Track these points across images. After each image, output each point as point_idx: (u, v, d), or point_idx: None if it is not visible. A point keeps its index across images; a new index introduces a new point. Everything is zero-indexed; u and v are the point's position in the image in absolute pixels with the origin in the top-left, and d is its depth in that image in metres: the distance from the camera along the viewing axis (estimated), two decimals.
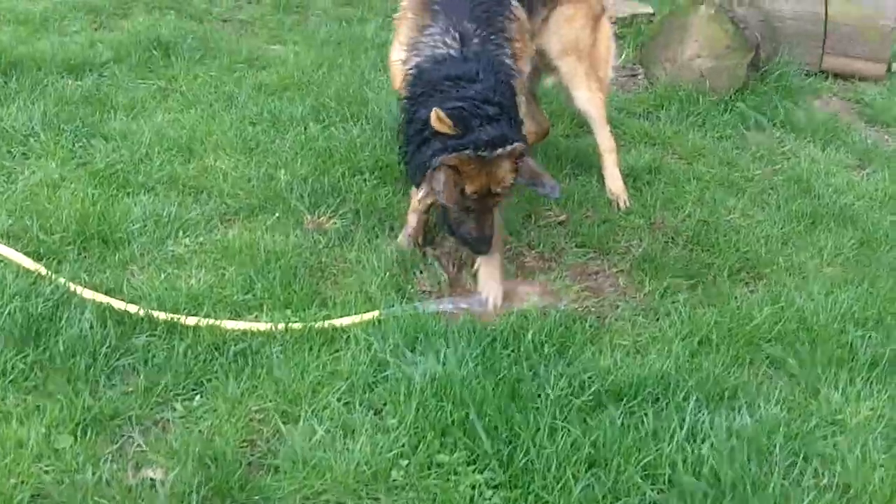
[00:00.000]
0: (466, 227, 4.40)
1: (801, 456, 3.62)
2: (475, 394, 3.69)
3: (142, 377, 3.80)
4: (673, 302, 4.64)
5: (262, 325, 4.16)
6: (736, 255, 5.04)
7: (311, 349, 4.05)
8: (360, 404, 3.75)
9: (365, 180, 5.42)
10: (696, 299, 4.67)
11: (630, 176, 5.76)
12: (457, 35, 4.45)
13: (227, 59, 6.85)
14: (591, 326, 4.37)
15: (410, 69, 4.52)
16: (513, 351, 4.07)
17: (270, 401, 3.75)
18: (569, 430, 3.57)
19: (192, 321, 4.12)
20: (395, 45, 4.80)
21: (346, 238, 4.94)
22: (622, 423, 3.65)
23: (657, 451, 3.50)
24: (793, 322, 4.45)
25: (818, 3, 7.64)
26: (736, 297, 4.68)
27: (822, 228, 5.41)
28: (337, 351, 4.07)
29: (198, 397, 3.76)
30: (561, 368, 3.96)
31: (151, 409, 3.70)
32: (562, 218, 5.27)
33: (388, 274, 4.63)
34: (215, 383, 3.82)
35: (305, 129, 5.88)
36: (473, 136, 4.20)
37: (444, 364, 3.88)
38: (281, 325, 4.15)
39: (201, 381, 3.84)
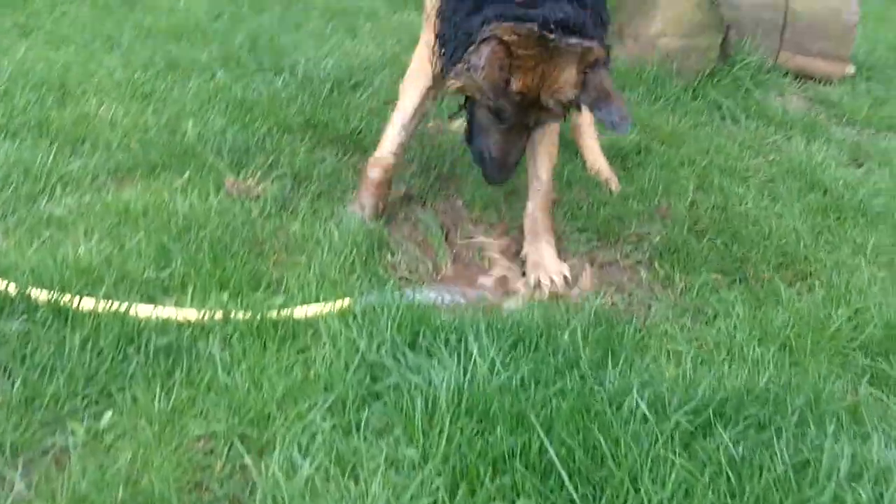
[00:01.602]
0: (489, 140, 3.25)
1: None
2: (538, 412, 2.51)
3: (18, 383, 2.47)
4: (719, 300, 3.58)
5: (192, 313, 2.88)
6: (772, 248, 4.01)
7: (265, 347, 2.80)
8: (357, 427, 2.52)
9: (299, 140, 4.18)
10: (745, 298, 3.62)
11: (617, 157, 4.72)
12: None
13: (101, 1, 5.47)
14: (636, 330, 3.25)
15: None
16: (550, 354, 2.91)
17: (220, 420, 2.47)
18: (674, 463, 2.43)
19: (88, 304, 2.81)
20: None
21: (284, 207, 3.70)
22: (747, 457, 2.54)
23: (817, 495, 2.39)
24: (879, 330, 3.45)
25: None
26: (795, 298, 3.65)
27: (850, 224, 4.46)
28: (302, 351, 2.83)
29: (107, 414, 2.46)
30: (626, 379, 2.82)
31: (35, 432, 2.37)
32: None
33: (353, 251, 3.41)
34: (133, 392, 2.53)
35: (213, 77, 4.59)
36: (543, 9, 3.07)
37: (470, 371, 2.69)
38: (219, 314, 2.88)
39: (109, 391, 2.55)
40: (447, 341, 2.84)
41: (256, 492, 2.26)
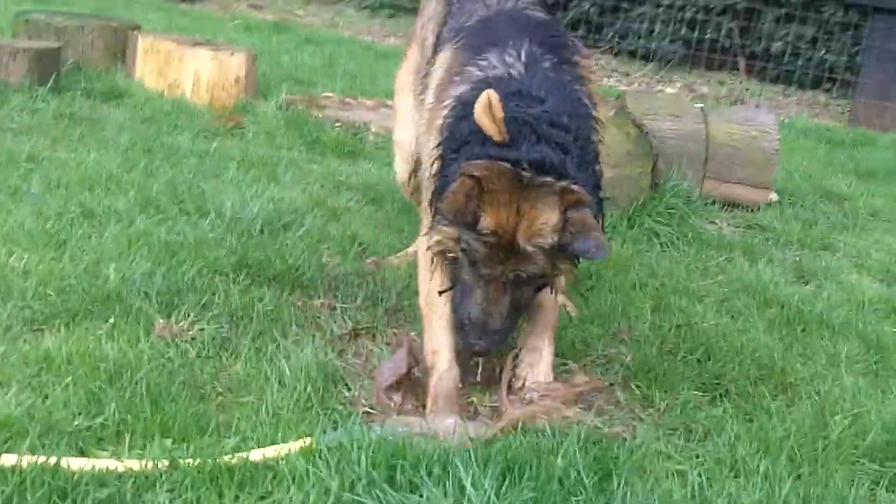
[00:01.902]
0: (468, 300, 2.97)
1: None
2: None
3: None
4: (707, 417, 3.31)
5: (135, 463, 2.49)
6: (747, 363, 3.78)
7: (221, 495, 2.41)
8: None
9: (233, 280, 3.85)
10: (733, 413, 3.36)
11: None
12: (521, 55, 3.20)
13: (4, 157, 5.13)
14: (631, 451, 2.95)
15: (450, 101, 3.21)
16: (545, 482, 2.58)
17: None
18: None
19: (9, 460, 2.40)
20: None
21: (224, 347, 3.35)
22: None
23: None
24: (881, 435, 3.20)
25: (699, 123, 6.76)
26: (784, 410, 3.40)
27: (817, 336, 4.27)
28: (264, 497, 2.46)
29: None
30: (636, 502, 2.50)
31: None
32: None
33: (307, 388, 3.06)
34: None
35: (132, 223, 4.26)
36: (520, 150, 2.86)
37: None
38: (165, 462, 2.49)
39: None
40: (430, 473, 2.50)
41: None
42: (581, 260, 3.08)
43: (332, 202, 5.31)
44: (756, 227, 6.49)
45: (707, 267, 5.25)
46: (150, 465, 2.47)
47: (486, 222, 2.84)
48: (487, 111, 2.85)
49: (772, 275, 5.21)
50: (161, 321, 3.42)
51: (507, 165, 2.84)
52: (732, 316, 4.43)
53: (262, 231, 4.38)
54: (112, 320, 3.37)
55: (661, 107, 6.84)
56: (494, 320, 2.97)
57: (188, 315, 3.50)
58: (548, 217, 2.86)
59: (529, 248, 2.89)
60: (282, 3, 13.45)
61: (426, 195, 3.36)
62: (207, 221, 4.36)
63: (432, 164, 3.22)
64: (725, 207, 6.73)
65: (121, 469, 2.44)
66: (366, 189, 5.63)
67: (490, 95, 2.87)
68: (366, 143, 6.80)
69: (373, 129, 7.03)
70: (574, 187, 2.88)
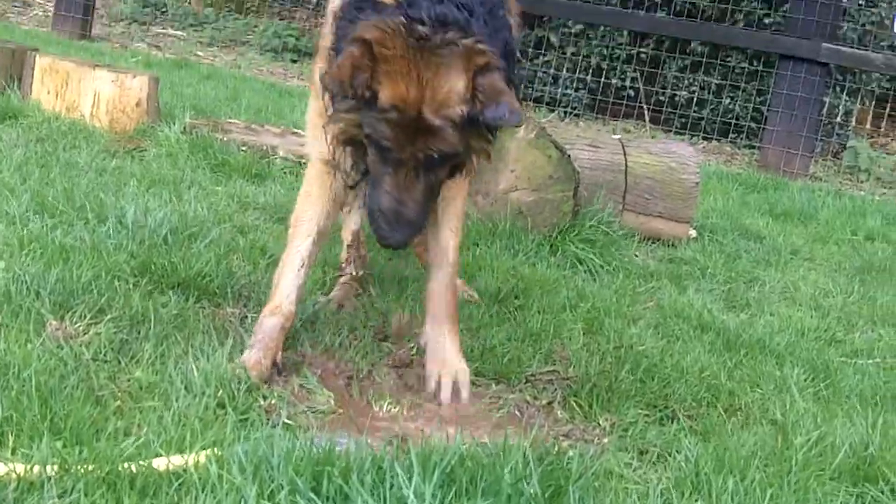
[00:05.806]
0: (378, 190, 2.66)
1: None
2: None
3: None
4: (661, 437, 3.05)
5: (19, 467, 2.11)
6: (693, 384, 3.53)
7: (118, 502, 2.04)
8: None
9: (133, 285, 3.47)
10: (685, 434, 3.09)
11: (493, 300, 4.19)
12: None
13: None
14: (581, 469, 2.63)
15: None
16: (493, 495, 2.27)
17: None
18: None
19: None
20: None
21: (122, 352, 2.97)
22: None
23: None
24: (850, 459, 2.97)
25: (618, 154, 6.58)
26: (739, 432, 3.16)
27: (761, 361, 4.05)
28: None
29: None
30: None
31: None
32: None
33: (219, 393, 2.70)
34: None
35: (26, 225, 3.86)
36: (419, 7, 2.54)
37: None
38: (54, 467, 2.11)
39: None
40: (363, 481, 2.16)
41: None
42: (496, 134, 2.78)
43: (239, 219, 4.95)
44: (678, 260, 6.29)
45: (636, 293, 5.02)
46: (36, 468, 2.08)
47: (385, 96, 2.51)
48: None
49: (703, 302, 5.00)
50: (54, 321, 3.04)
51: (402, 20, 2.51)
52: (669, 340, 4.18)
53: (165, 241, 4.00)
54: None
55: (578, 136, 6.66)
56: (408, 209, 2.65)
57: (84, 317, 3.12)
58: (454, 84, 2.54)
59: (438, 123, 2.56)
60: (182, 45, 12.95)
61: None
62: (107, 227, 3.97)
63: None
64: (646, 241, 6.52)
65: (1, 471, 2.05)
66: (275, 209, 5.29)
67: None
68: (273, 167, 6.45)
69: (281, 153, 6.69)
70: (480, 46, 2.56)
